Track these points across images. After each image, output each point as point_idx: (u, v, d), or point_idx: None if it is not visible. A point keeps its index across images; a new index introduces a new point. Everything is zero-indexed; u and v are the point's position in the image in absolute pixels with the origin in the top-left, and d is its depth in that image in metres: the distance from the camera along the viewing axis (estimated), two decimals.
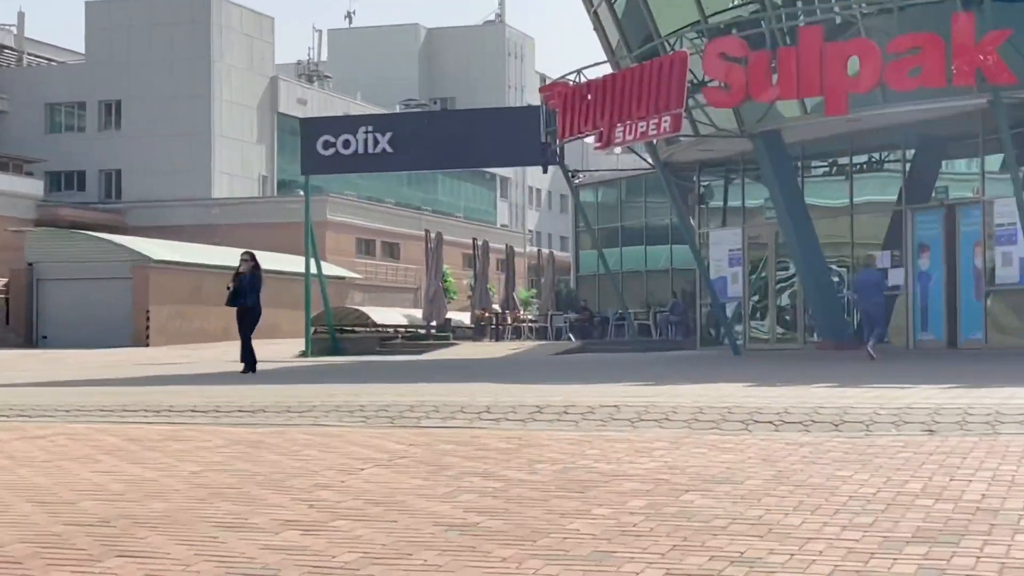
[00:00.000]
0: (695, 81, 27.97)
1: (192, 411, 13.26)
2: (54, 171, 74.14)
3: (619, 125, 28.51)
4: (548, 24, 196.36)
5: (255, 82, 75.61)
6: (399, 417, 12.53)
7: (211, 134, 72.56)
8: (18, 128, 74.61)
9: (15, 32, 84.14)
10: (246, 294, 22.39)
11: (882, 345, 29.99)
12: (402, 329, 42.85)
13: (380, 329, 42.62)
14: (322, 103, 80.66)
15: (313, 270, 37.37)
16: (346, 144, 35.85)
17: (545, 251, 50.88)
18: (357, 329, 42.57)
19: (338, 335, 38.80)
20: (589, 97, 29.86)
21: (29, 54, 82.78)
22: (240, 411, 13.09)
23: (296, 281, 61.88)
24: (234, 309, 22.69)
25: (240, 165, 74.82)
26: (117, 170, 73.90)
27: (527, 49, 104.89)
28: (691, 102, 28.44)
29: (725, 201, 35.76)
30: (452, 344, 38.15)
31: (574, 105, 30.33)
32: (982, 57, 23.75)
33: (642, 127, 27.80)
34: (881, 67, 24.29)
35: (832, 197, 32.28)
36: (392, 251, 75.50)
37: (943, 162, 30.90)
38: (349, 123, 38.08)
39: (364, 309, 45.77)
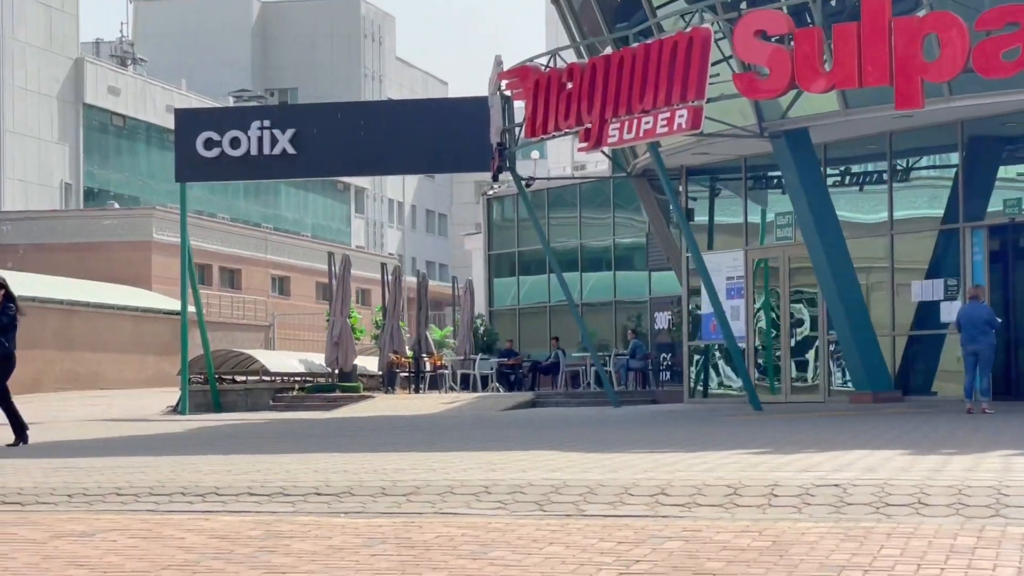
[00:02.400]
0: None
1: (249, 493, 12.05)
2: None
3: (614, 121, 27.77)
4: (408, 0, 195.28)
5: (56, 65, 73.61)
6: (547, 502, 11.51)
7: (0, 130, 70.44)
8: None
9: None
10: None
11: (930, 398, 29.69)
12: (299, 378, 41.49)
13: (272, 378, 41.24)
14: (140, 92, 78.85)
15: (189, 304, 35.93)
16: (235, 143, 34.59)
17: (460, 281, 49.89)
18: (239, 378, 41.13)
19: (218, 385, 37.41)
20: (570, 85, 29.09)
21: None
22: (317, 494, 11.92)
23: (122, 317, 60.37)
24: None
25: (37, 170, 72.70)
26: None
27: (386, 30, 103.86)
28: None
29: (711, 217, 35.22)
30: (366, 397, 37.00)
31: (548, 95, 29.51)
32: None
33: (647, 123, 27.10)
34: (968, 48, 23.86)
35: (863, 211, 31.89)
36: (232, 279, 73.84)
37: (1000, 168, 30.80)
38: (238, 116, 36.82)
39: (253, 353, 44.31)
